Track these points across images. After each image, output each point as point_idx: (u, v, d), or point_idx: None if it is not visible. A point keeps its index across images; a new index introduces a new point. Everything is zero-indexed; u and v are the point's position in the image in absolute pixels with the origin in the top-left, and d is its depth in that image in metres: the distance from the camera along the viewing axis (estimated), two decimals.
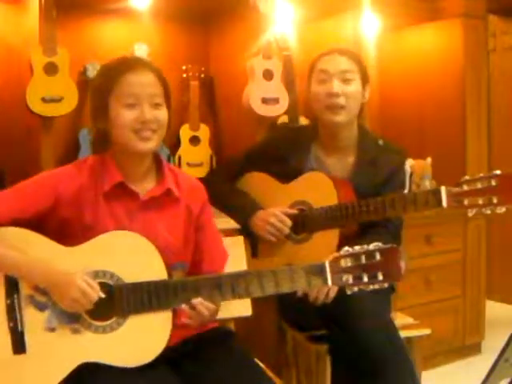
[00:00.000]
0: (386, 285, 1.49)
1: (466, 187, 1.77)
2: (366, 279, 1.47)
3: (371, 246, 1.48)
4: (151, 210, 1.62)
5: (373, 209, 1.92)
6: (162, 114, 1.59)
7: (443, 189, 1.81)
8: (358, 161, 2.09)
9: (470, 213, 1.78)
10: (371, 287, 1.48)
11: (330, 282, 1.49)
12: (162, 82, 1.61)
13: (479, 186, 1.75)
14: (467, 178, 1.79)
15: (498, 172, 1.75)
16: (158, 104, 1.58)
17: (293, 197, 2.09)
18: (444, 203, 1.80)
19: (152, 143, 1.58)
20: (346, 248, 1.50)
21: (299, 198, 2.08)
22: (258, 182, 2.19)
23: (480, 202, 1.74)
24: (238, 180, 2.23)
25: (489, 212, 1.75)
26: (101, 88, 1.59)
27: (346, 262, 1.48)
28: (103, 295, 1.46)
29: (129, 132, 1.55)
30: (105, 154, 1.63)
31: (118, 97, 1.55)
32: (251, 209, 2.12)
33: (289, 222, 2.05)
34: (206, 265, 1.69)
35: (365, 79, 2.07)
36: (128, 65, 1.59)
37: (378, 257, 1.47)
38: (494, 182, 1.73)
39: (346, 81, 2.01)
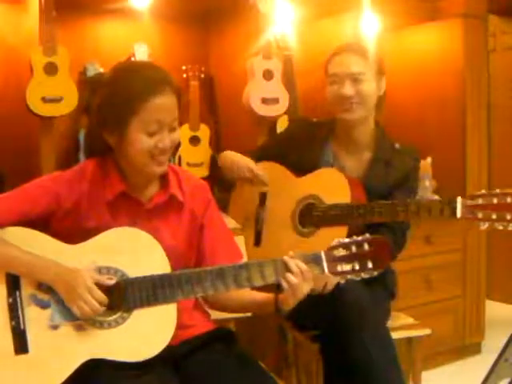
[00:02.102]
0: (375, 273, 1.56)
1: (481, 201, 1.79)
2: (357, 267, 1.55)
3: (359, 238, 1.56)
4: (155, 217, 1.60)
5: (385, 211, 1.93)
6: (177, 136, 1.56)
7: (459, 200, 1.83)
8: (374, 159, 2.11)
9: (483, 226, 1.79)
10: (362, 275, 1.55)
11: (326, 270, 1.55)
12: (179, 101, 1.56)
13: (495, 201, 1.76)
14: (484, 191, 1.81)
15: None
16: (175, 128, 1.55)
17: (306, 190, 2.09)
18: (458, 214, 1.82)
19: (166, 165, 1.57)
20: (337, 239, 1.57)
21: (312, 192, 2.08)
22: (272, 172, 2.18)
23: (493, 216, 1.76)
24: None
25: (501, 228, 1.77)
26: (121, 106, 1.50)
27: (338, 252, 1.55)
28: (106, 300, 1.45)
29: (146, 157, 1.53)
30: (106, 159, 1.60)
31: (141, 122, 1.49)
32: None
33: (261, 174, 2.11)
34: (207, 264, 1.67)
35: (379, 72, 2.08)
36: (156, 84, 1.50)
37: (366, 247, 1.55)
38: (509, 199, 1.74)
39: (357, 81, 2.03)
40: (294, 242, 2.08)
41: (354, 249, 1.55)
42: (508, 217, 1.74)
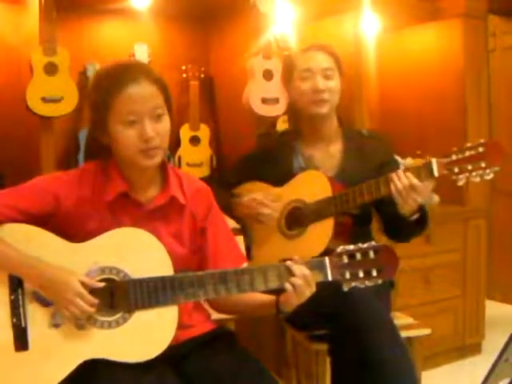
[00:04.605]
0: (379, 281, 1.55)
1: (454, 157, 1.84)
2: (361, 275, 1.54)
3: (365, 245, 1.55)
4: (156, 219, 1.60)
5: (367, 189, 1.96)
6: (164, 125, 1.54)
7: (434, 160, 1.87)
8: (345, 149, 2.15)
9: (460, 181, 1.84)
10: (366, 283, 1.55)
11: (329, 276, 1.54)
12: (163, 90, 1.54)
13: (467, 153, 1.82)
14: (455, 148, 1.85)
15: (483, 140, 1.83)
16: (160, 115, 1.53)
17: (288, 197, 2.12)
18: (435, 172, 1.86)
19: (158, 158, 1.55)
20: (342, 246, 1.56)
21: (294, 197, 2.10)
22: (254, 189, 2.19)
23: (469, 167, 1.81)
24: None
25: (478, 179, 1.82)
26: (98, 103, 1.52)
27: (343, 259, 1.55)
28: (96, 301, 1.45)
29: (133, 151, 1.52)
30: (107, 161, 1.59)
31: (117, 115, 1.49)
32: (228, 198, 2.15)
33: (269, 203, 2.08)
34: (210, 268, 1.66)
35: (341, 71, 2.17)
36: (126, 76, 1.50)
37: (371, 255, 1.54)
38: (481, 149, 1.80)
39: (327, 77, 2.11)
40: (284, 247, 2.09)
41: (358, 256, 1.54)
42: (483, 164, 1.80)
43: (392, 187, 1.88)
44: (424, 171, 1.87)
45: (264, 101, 2.94)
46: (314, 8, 3.16)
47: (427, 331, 2.23)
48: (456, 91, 3.32)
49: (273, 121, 3.06)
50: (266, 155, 2.22)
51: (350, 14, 3.09)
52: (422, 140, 3.45)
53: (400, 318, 2.29)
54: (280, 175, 2.13)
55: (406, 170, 1.87)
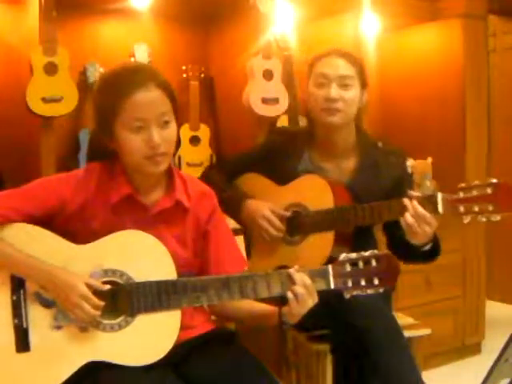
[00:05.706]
0: (381, 289, 1.56)
1: (462, 194, 1.77)
2: (363, 283, 1.54)
3: (368, 253, 1.55)
4: (160, 222, 1.59)
5: (368, 213, 1.91)
6: (170, 131, 1.52)
7: (439, 195, 1.80)
8: (360, 165, 2.06)
9: (465, 220, 1.77)
10: (368, 291, 1.55)
11: (332, 285, 1.54)
12: (170, 95, 1.52)
13: (475, 193, 1.75)
14: (463, 185, 1.78)
15: (494, 180, 1.76)
16: (167, 121, 1.50)
17: (289, 199, 2.06)
18: (440, 209, 1.79)
19: (164, 164, 1.54)
20: (345, 254, 1.56)
21: (295, 200, 2.05)
22: (254, 183, 2.16)
23: (476, 209, 1.74)
24: (235, 180, 2.21)
25: (484, 220, 1.75)
26: (104, 107, 1.51)
27: (345, 267, 1.54)
28: (102, 304, 1.45)
29: (139, 157, 1.50)
30: (113, 162, 1.58)
31: (124, 120, 1.47)
32: (240, 198, 2.06)
33: (278, 224, 2.01)
34: (212, 273, 1.66)
35: (364, 83, 2.04)
36: (134, 81, 1.47)
37: (373, 263, 1.55)
38: (489, 190, 1.73)
39: (344, 86, 1.99)
40: (283, 251, 2.06)
41: (361, 264, 1.54)
42: (490, 208, 1.72)
43: (402, 217, 1.79)
44: (428, 205, 1.79)
45: (264, 101, 2.94)
46: (313, 8, 3.16)
47: (427, 331, 2.23)
48: (456, 91, 3.32)
49: (273, 121, 3.06)
50: (275, 152, 2.12)
51: (350, 14, 3.10)
52: (421, 139, 3.45)
53: (400, 318, 2.28)
54: (283, 175, 2.07)
55: (413, 199, 1.79)
